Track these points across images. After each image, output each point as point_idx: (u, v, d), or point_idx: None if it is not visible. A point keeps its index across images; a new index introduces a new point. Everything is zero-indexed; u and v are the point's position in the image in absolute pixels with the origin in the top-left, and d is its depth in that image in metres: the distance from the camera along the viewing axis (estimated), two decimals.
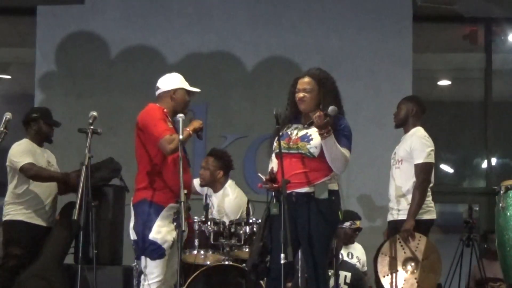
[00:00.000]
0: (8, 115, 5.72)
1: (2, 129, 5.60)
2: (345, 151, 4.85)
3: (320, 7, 9.20)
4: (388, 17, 9.16)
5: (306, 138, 4.93)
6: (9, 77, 10.15)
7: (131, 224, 5.13)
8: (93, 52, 9.16)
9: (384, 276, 5.69)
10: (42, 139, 6.55)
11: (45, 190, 6.46)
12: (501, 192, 6.08)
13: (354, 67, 9.03)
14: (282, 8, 9.19)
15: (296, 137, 4.96)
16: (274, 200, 4.91)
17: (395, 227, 5.80)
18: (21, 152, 6.36)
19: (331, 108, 4.73)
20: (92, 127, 5.23)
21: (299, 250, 5.01)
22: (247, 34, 9.15)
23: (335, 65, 8.82)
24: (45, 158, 6.51)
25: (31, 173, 6.30)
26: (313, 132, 4.91)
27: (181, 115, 5.04)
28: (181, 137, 4.92)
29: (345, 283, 6.89)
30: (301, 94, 5.00)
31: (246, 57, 9.16)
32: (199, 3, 9.23)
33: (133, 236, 5.11)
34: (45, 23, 9.19)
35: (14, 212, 6.35)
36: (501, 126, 9.76)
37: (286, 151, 4.90)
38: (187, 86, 5.28)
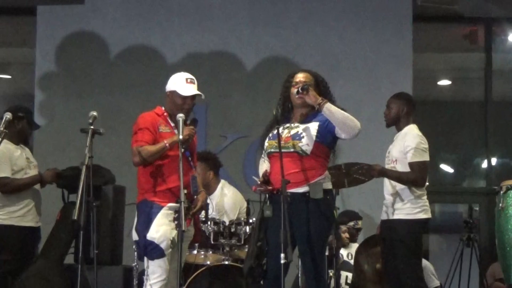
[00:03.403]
0: (8, 115, 5.71)
1: (2, 129, 5.59)
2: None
3: (320, 7, 9.20)
4: (388, 17, 9.16)
5: (298, 137, 4.92)
6: (9, 77, 10.14)
7: (134, 224, 5.16)
8: (93, 52, 9.16)
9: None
10: (21, 139, 6.39)
11: (31, 189, 6.32)
12: (501, 192, 6.08)
13: (354, 67, 9.03)
14: (282, 8, 9.19)
15: (287, 136, 4.95)
16: (268, 202, 4.91)
17: (389, 226, 5.78)
18: None
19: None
20: (92, 127, 5.22)
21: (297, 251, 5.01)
22: (247, 34, 9.15)
23: (335, 65, 8.84)
24: (23, 156, 6.35)
25: (5, 188, 6.16)
26: (304, 130, 4.91)
27: (181, 115, 5.02)
28: (181, 137, 4.92)
29: (346, 283, 6.89)
30: (306, 86, 4.96)
31: (246, 57, 9.16)
32: (199, 3, 9.23)
33: (135, 236, 5.12)
34: (45, 23, 9.19)
35: (2, 217, 6.20)
36: (501, 126, 9.76)
37: (277, 150, 4.86)
38: (180, 89, 5.15)
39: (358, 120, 4.93)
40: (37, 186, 6.41)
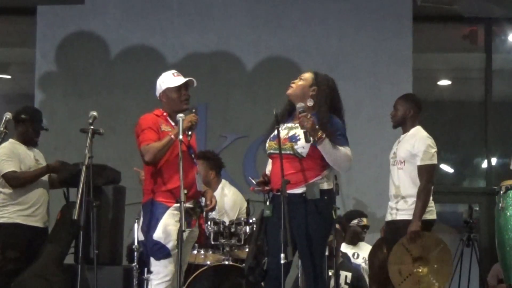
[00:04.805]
0: (8, 115, 5.73)
1: (2, 129, 5.60)
2: (345, 149, 4.86)
3: (320, 7, 9.20)
4: (388, 17, 9.16)
5: (294, 139, 4.90)
6: (9, 77, 10.14)
7: (140, 225, 5.16)
8: (93, 52, 9.17)
9: (399, 284, 5.67)
10: (25, 141, 6.41)
11: (39, 189, 6.37)
12: (501, 192, 6.08)
13: (354, 67, 9.03)
14: (282, 8, 9.20)
15: (285, 137, 4.94)
16: (268, 202, 4.90)
17: (393, 227, 5.79)
18: (4, 156, 6.22)
19: (298, 105, 4.83)
20: (92, 127, 5.22)
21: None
22: (247, 34, 9.16)
23: (335, 65, 8.84)
24: (32, 157, 6.39)
25: (15, 182, 6.19)
26: (301, 132, 4.89)
27: (180, 115, 5.02)
28: (180, 137, 4.92)
29: (345, 283, 6.88)
30: (293, 81, 5.02)
31: (246, 57, 9.16)
32: (199, 3, 9.24)
33: (140, 236, 5.12)
34: (45, 23, 9.20)
35: (11, 215, 6.24)
36: (501, 126, 9.76)
37: (276, 151, 4.87)
38: (170, 83, 5.17)
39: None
40: (46, 187, 6.43)
